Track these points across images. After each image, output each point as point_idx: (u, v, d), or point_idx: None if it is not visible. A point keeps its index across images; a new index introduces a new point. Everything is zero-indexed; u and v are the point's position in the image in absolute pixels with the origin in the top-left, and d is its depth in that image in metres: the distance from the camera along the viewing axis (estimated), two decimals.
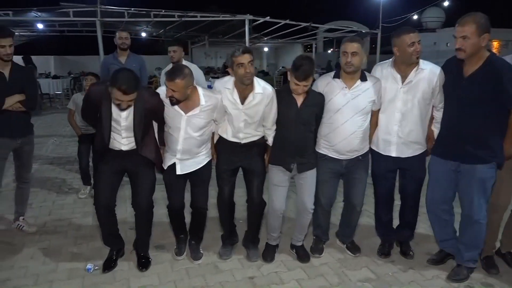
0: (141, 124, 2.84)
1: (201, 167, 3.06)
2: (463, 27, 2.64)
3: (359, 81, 2.95)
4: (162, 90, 2.90)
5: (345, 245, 3.42)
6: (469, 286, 2.89)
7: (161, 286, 2.87)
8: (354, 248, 3.37)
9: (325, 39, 25.84)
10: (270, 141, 3.10)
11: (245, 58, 2.74)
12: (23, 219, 3.72)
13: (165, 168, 3.04)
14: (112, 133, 2.85)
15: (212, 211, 3.38)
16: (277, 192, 3.09)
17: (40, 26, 15.68)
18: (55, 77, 15.58)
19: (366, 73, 3.01)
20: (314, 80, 3.02)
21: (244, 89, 2.88)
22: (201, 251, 3.30)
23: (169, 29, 18.28)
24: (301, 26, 16.69)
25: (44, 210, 4.21)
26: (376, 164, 3.21)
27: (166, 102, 2.84)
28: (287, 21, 16.01)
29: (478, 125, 2.72)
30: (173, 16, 14.60)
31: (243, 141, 3.02)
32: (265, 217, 3.24)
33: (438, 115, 3.02)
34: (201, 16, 15.16)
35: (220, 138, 3.12)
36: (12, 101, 3.31)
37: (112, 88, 2.60)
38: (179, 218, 3.25)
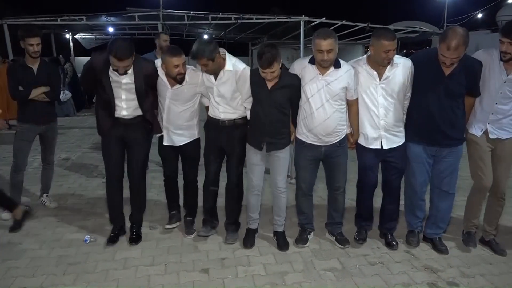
0: (141, 89, 3.21)
1: (187, 143, 3.42)
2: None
3: (332, 68, 3.07)
4: (158, 61, 3.32)
5: (334, 237, 3.50)
6: (434, 284, 2.86)
7: (140, 259, 3.19)
8: (343, 240, 3.43)
9: None
10: (248, 115, 3.30)
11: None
12: (47, 196, 4.27)
13: (163, 143, 3.45)
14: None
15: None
16: (254, 170, 3.31)
17: (110, 29, 17.08)
18: None
19: (341, 61, 3.11)
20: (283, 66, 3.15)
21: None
22: (194, 228, 3.61)
23: (229, 31, 18.90)
24: (359, 27, 16.43)
25: (69, 190, 4.77)
26: (364, 157, 3.33)
27: (160, 72, 3.26)
28: (344, 22, 15.77)
29: (455, 114, 3.08)
30: (230, 19, 15.14)
31: (222, 116, 3.27)
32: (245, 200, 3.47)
33: (406, 103, 3.22)
34: (256, 18, 15.51)
35: (207, 119, 3.42)
36: (38, 92, 3.83)
37: (109, 56, 2.98)
38: (172, 187, 3.66)
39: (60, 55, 11.68)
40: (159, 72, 3.27)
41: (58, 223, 3.83)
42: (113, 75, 3.14)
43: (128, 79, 3.16)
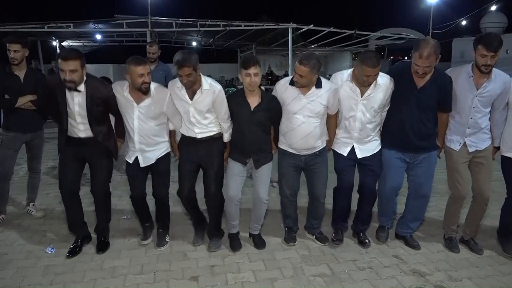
0: (93, 110, 3.14)
1: (159, 158, 3.36)
2: None
3: (313, 88, 3.17)
4: (118, 84, 3.25)
5: (314, 236, 3.60)
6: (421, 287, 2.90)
7: (129, 268, 3.16)
8: (323, 238, 3.56)
9: (377, 46, 25.29)
10: (225, 137, 3.32)
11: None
12: (33, 205, 4.22)
13: (130, 162, 3.34)
14: (69, 119, 3.18)
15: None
16: (234, 181, 3.32)
17: (98, 36, 17.03)
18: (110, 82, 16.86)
19: (323, 80, 3.20)
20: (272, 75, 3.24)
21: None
22: (167, 239, 3.56)
23: (217, 38, 18.98)
24: (347, 34, 16.61)
25: (56, 199, 4.67)
26: (338, 161, 3.44)
27: (118, 95, 3.19)
28: (331, 29, 16.01)
29: (425, 126, 3.23)
30: (219, 26, 15.17)
31: (199, 136, 3.25)
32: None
33: (384, 114, 3.35)
34: (245, 25, 15.60)
35: (181, 137, 3.38)
36: (25, 100, 3.78)
37: (58, 61, 2.97)
38: (141, 207, 3.55)
39: (32, 61, 11.39)
40: (122, 92, 3.17)
41: (43, 233, 3.78)
42: (68, 97, 3.12)
43: (80, 98, 3.11)
